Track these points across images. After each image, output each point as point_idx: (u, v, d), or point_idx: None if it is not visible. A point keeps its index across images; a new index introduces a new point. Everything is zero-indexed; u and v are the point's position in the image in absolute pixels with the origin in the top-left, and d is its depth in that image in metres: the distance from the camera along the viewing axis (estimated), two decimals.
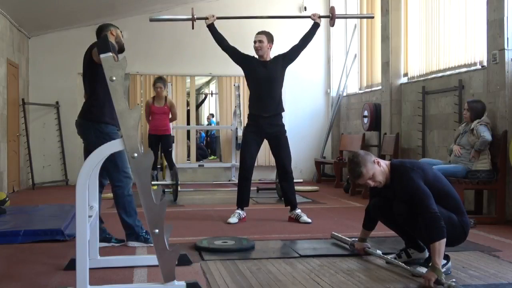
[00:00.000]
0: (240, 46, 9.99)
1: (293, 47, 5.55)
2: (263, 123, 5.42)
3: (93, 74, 4.10)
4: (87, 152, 3.88)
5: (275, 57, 5.54)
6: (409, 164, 3.42)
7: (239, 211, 5.47)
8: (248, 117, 5.62)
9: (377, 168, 3.39)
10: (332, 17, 5.64)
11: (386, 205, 3.55)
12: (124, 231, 4.30)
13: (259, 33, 5.52)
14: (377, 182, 3.42)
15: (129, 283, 3.23)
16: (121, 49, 4.32)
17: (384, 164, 3.45)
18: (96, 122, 4.13)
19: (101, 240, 3.97)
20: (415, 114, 7.37)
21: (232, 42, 10.43)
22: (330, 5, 10.44)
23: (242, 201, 5.50)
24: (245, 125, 6.47)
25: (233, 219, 5.35)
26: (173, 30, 10.07)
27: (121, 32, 4.41)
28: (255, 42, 5.47)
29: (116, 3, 9.20)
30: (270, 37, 5.49)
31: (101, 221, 4.25)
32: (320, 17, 5.71)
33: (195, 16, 5.18)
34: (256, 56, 5.52)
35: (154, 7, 9.82)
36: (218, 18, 5.62)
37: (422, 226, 3.19)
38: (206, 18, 5.47)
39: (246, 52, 5.53)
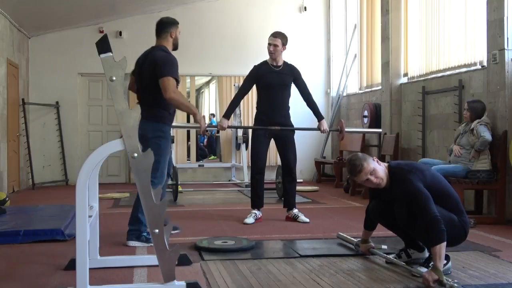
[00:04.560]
0: (240, 45, 10.13)
1: (300, 86, 5.53)
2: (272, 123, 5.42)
3: (155, 81, 4.24)
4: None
5: (288, 66, 5.50)
6: (406, 167, 3.40)
7: (255, 211, 5.47)
8: (255, 119, 5.59)
9: (378, 165, 3.39)
10: (341, 131, 5.66)
11: (386, 208, 3.55)
12: (128, 228, 4.31)
13: (274, 36, 5.38)
14: (378, 179, 3.38)
15: (129, 283, 3.23)
16: (175, 48, 4.54)
17: (383, 165, 3.45)
18: (156, 121, 4.34)
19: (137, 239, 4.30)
20: (415, 114, 7.37)
21: (233, 41, 10.46)
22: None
23: (256, 202, 5.51)
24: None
25: (250, 220, 5.35)
26: None
27: (180, 30, 4.57)
28: (269, 45, 5.38)
29: (116, 3, 9.20)
30: (284, 40, 5.40)
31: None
32: (330, 131, 5.90)
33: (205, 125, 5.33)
34: (267, 58, 5.49)
35: (154, 7, 9.83)
36: (229, 127, 6.10)
37: (423, 230, 3.18)
38: (217, 128, 5.69)
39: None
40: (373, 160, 3.40)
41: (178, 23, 4.53)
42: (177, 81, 4.27)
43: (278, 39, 5.36)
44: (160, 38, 4.45)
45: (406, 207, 3.32)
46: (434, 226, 3.09)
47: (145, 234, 4.30)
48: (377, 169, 3.37)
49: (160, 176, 4.33)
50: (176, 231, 4.70)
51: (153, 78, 4.26)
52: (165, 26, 4.46)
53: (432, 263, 3.29)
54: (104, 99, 10.02)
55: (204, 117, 5.92)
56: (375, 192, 3.60)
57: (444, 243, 3.08)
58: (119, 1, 9.14)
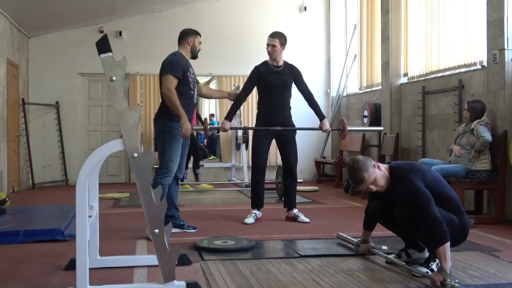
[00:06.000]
0: (240, 45, 10.13)
1: (301, 86, 5.53)
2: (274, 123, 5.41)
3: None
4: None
5: (289, 66, 5.51)
6: (407, 167, 3.39)
7: (255, 211, 5.47)
8: (257, 119, 5.58)
9: (378, 172, 3.37)
10: (343, 129, 5.66)
11: (386, 208, 3.54)
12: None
13: (272, 36, 5.40)
14: (379, 187, 3.39)
15: (129, 283, 3.23)
16: (194, 56, 4.93)
17: (384, 167, 3.42)
18: (162, 118, 4.73)
19: (174, 227, 4.60)
20: (415, 114, 7.37)
21: (233, 41, 10.45)
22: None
23: (256, 202, 5.51)
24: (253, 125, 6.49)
25: (250, 220, 5.36)
26: (173, 30, 10.03)
27: (199, 41, 4.92)
28: (268, 45, 5.39)
29: (116, 3, 9.20)
30: (283, 40, 5.40)
31: (177, 209, 4.86)
32: (332, 130, 5.96)
33: (208, 127, 5.48)
34: (267, 59, 5.50)
35: (154, 7, 9.83)
36: (231, 128, 6.11)
37: (424, 231, 3.17)
38: (219, 129, 5.72)
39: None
40: (374, 166, 3.36)
41: (198, 33, 4.90)
42: (178, 78, 4.63)
43: (276, 39, 5.37)
44: (180, 45, 4.86)
45: (407, 207, 3.32)
46: (436, 228, 3.08)
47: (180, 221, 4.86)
48: (377, 177, 3.36)
49: (165, 167, 4.58)
50: (194, 230, 4.92)
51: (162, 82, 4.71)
52: (184, 35, 4.86)
53: (431, 263, 3.30)
54: (104, 99, 10.02)
55: (206, 119, 6.01)
56: (375, 192, 3.59)
57: (448, 243, 3.07)
58: (119, 1, 9.14)
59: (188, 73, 4.73)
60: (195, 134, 9.00)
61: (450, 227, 3.21)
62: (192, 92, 4.79)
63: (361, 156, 3.52)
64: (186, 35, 4.84)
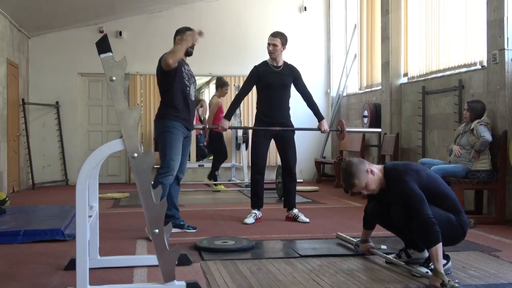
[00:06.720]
0: (240, 45, 10.13)
1: (300, 87, 5.53)
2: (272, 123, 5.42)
3: (162, 80, 4.77)
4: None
5: (289, 66, 5.52)
6: (402, 168, 3.40)
7: (255, 211, 5.47)
8: (256, 119, 5.59)
9: (370, 177, 3.38)
10: (341, 130, 5.67)
11: (384, 209, 3.55)
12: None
13: (274, 35, 5.41)
14: (370, 191, 3.43)
15: (129, 283, 3.23)
16: (186, 53, 4.86)
17: (378, 170, 3.42)
18: (161, 118, 4.74)
19: (174, 227, 4.59)
20: (415, 114, 7.37)
21: (232, 41, 10.45)
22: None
23: (256, 202, 5.51)
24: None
25: (250, 220, 5.36)
26: (173, 30, 10.03)
27: (193, 36, 4.83)
28: (269, 44, 5.40)
29: (116, 3, 9.20)
30: (284, 40, 5.41)
31: (177, 209, 4.86)
32: (330, 131, 6.01)
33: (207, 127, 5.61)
34: (267, 58, 5.51)
35: (154, 7, 9.83)
36: (230, 128, 6.20)
37: (418, 232, 3.20)
38: (218, 128, 5.73)
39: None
40: (367, 171, 3.38)
41: (186, 30, 4.87)
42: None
43: (278, 38, 5.38)
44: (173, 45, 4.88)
45: (403, 209, 3.32)
46: (428, 228, 3.10)
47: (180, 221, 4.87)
48: (369, 182, 3.38)
49: (166, 166, 4.60)
50: (194, 230, 4.91)
51: (159, 80, 4.81)
52: (175, 34, 4.90)
53: (431, 263, 3.30)
54: (104, 99, 10.02)
55: (205, 119, 6.22)
56: (372, 194, 3.60)
57: (440, 244, 3.08)
58: (119, 1, 9.14)
59: (183, 68, 4.76)
60: (225, 138, 9.07)
61: (448, 226, 3.21)
62: (188, 88, 4.78)
63: (356, 159, 3.51)
64: (176, 34, 4.89)
